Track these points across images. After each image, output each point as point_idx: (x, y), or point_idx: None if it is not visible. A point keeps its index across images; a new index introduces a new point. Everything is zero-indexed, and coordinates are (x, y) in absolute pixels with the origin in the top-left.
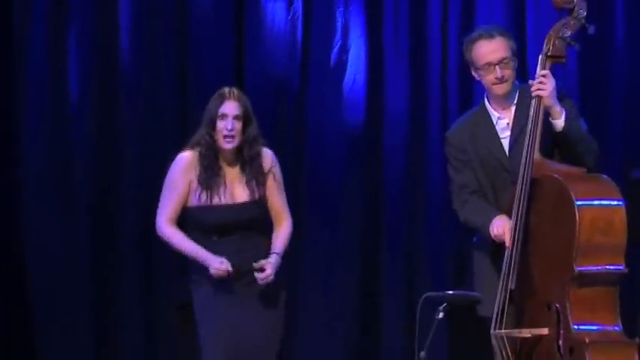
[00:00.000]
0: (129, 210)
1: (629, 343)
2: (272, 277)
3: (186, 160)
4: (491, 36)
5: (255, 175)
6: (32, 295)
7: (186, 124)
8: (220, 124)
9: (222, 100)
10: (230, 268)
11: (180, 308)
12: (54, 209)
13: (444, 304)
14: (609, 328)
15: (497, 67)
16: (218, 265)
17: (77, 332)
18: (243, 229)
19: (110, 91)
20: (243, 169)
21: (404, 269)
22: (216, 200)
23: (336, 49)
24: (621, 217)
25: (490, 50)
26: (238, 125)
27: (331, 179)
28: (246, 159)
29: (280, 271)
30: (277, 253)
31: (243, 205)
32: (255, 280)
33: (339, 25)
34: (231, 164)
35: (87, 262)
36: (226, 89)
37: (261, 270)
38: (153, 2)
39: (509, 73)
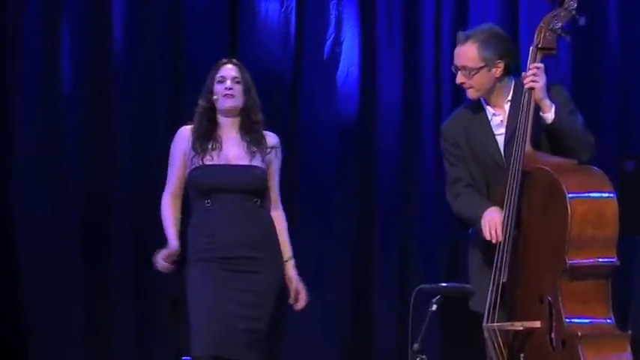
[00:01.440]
0: (121, 204)
1: (621, 335)
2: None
3: (181, 132)
4: (464, 40)
5: (255, 142)
6: (24, 292)
7: (180, 116)
8: (219, 87)
9: (220, 65)
10: (166, 266)
11: (173, 303)
12: (45, 204)
13: (438, 297)
14: (601, 320)
15: (459, 72)
16: (161, 256)
17: (69, 328)
18: (238, 193)
19: (103, 85)
20: (242, 136)
21: (397, 261)
22: (208, 160)
23: (329, 42)
24: (613, 209)
25: (456, 54)
26: (238, 86)
27: (324, 171)
28: (246, 126)
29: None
30: (292, 259)
31: (238, 167)
32: (251, 269)
33: (332, 17)
34: (229, 129)
35: (79, 258)
36: (225, 59)
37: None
38: None
39: (470, 82)
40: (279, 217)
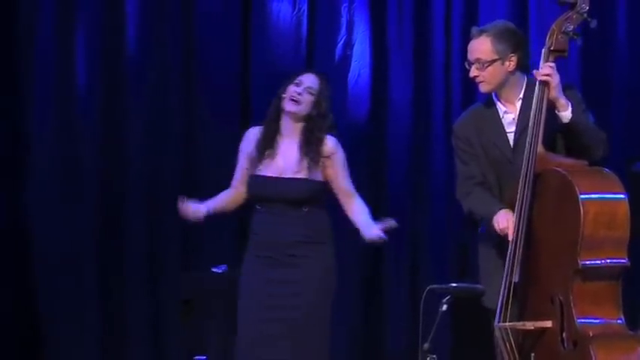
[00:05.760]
0: (135, 204)
1: (631, 336)
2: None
3: (247, 134)
4: (478, 34)
5: (310, 155)
6: (39, 292)
7: (192, 115)
8: (291, 88)
9: (304, 71)
10: (198, 218)
11: (185, 301)
12: (60, 204)
13: (448, 297)
14: (612, 321)
15: (472, 66)
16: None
17: (83, 328)
18: (286, 203)
19: (116, 85)
20: (300, 146)
21: (408, 262)
22: (261, 171)
23: (340, 45)
24: (624, 210)
25: (470, 48)
26: (308, 97)
27: None
28: (310, 140)
29: (331, 254)
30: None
31: (289, 180)
32: (289, 265)
33: (343, 20)
34: (289, 135)
35: (93, 258)
36: (313, 69)
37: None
38: None
39: (483, 75)
40: (353, 209)
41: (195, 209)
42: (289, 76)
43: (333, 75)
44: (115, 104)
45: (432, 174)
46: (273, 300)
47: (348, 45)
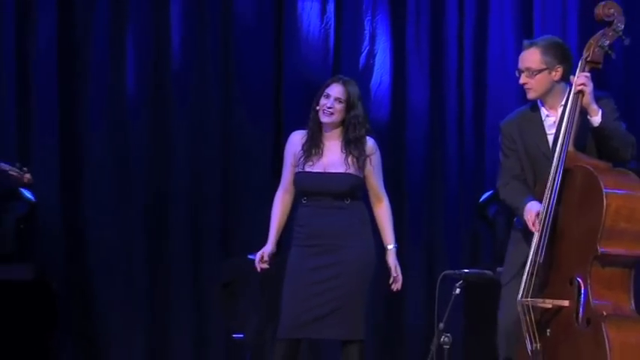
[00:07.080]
0: (179, 199)
1: None
2: (400, 276)
3: (292, 136)
4: (528, 46)
5: (354, 154)
6: (94, 282)
7: (230, 119)
8: (322, 101)
9: (331, 82)
10: (262, 267)
11: (224, 285)
12: (112, 200)
13: (461, 282)
14: (624, 305)
15: (522, 74)
16: (257, 258)
17: (134, 310)
18: (331, 196)
19: (162, 91)
20: (343, 145)
21: (424, 251)
22: (308, 167)
23: (364, 54)
24: None
25: (521, 58)
26: (339, 106)
27: None
28: (351, 139)
29: (372, 244)
30: (393, 247)
31: (333, 174)
32: (334, 252)
33: (366, 32)
34: (331, 137)
35: (142, 250)
36: (339, 76)
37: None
38: (201, 14)
39: (531, 82)
40: (378, 212)
41: (264, 258)
42: (320, 88)
43: (358, 82)
44: (161, 111)
45: (447, 171)
46: (318, 287)
47: (371, 54)
